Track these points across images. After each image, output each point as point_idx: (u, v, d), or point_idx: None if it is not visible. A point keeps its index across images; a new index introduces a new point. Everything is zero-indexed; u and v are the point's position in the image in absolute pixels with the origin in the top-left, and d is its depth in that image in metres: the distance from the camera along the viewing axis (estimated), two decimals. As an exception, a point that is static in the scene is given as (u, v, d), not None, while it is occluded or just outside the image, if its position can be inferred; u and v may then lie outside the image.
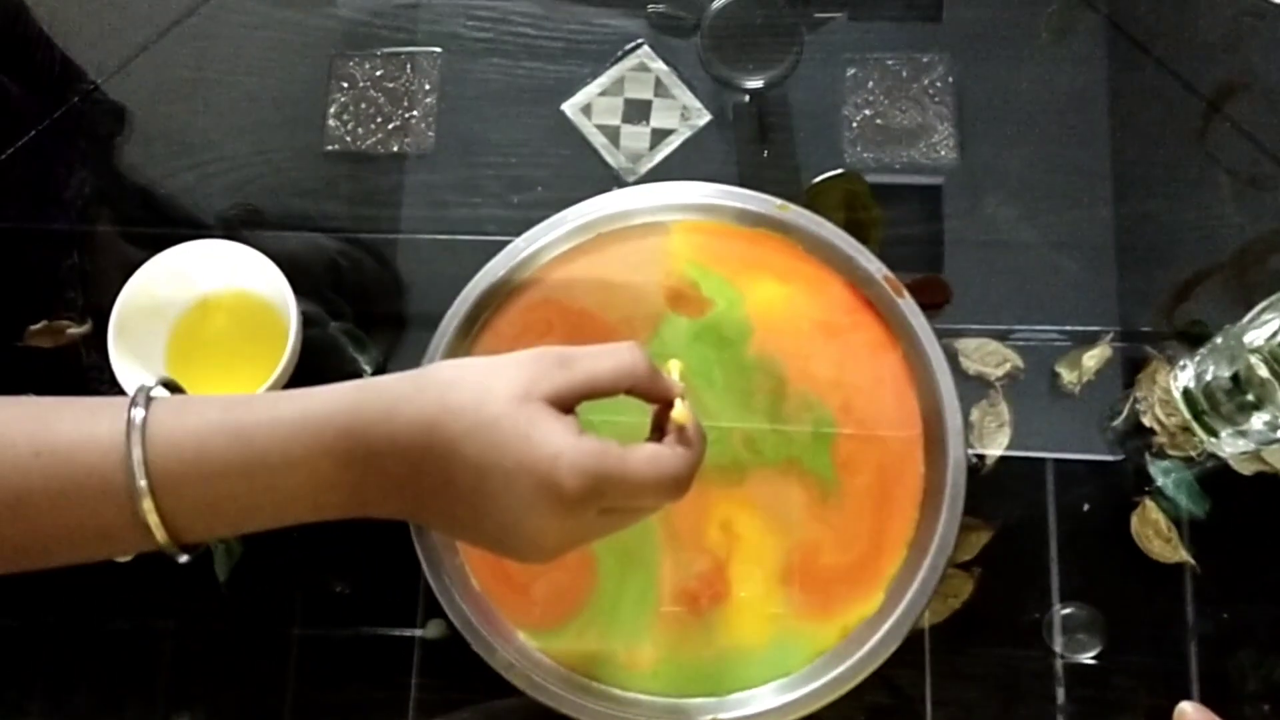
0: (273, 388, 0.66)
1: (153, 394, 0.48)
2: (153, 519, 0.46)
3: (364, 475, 0.47)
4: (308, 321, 0.70)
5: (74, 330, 0.73)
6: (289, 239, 0.67)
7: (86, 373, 0.72)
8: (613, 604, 0.65)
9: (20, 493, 0.46)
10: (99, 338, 0.68)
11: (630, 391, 0.51)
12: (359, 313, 0.73)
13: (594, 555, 0.65)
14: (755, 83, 0.73)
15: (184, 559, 0.49)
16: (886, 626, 0.63)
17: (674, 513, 0.65)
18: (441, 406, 0.46)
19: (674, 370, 0.60)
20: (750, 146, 0.75)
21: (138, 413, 0.47)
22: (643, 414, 0.53)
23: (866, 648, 0.62)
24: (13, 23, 0.80)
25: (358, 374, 0.71)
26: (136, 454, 0.46)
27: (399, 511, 0.49)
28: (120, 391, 0.65)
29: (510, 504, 0.46)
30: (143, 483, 0.46)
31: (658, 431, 0.52)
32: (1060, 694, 0.65)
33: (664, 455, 0.49)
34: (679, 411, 0.50)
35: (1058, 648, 0.65)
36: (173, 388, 0.51)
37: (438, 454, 0.46)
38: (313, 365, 0.69)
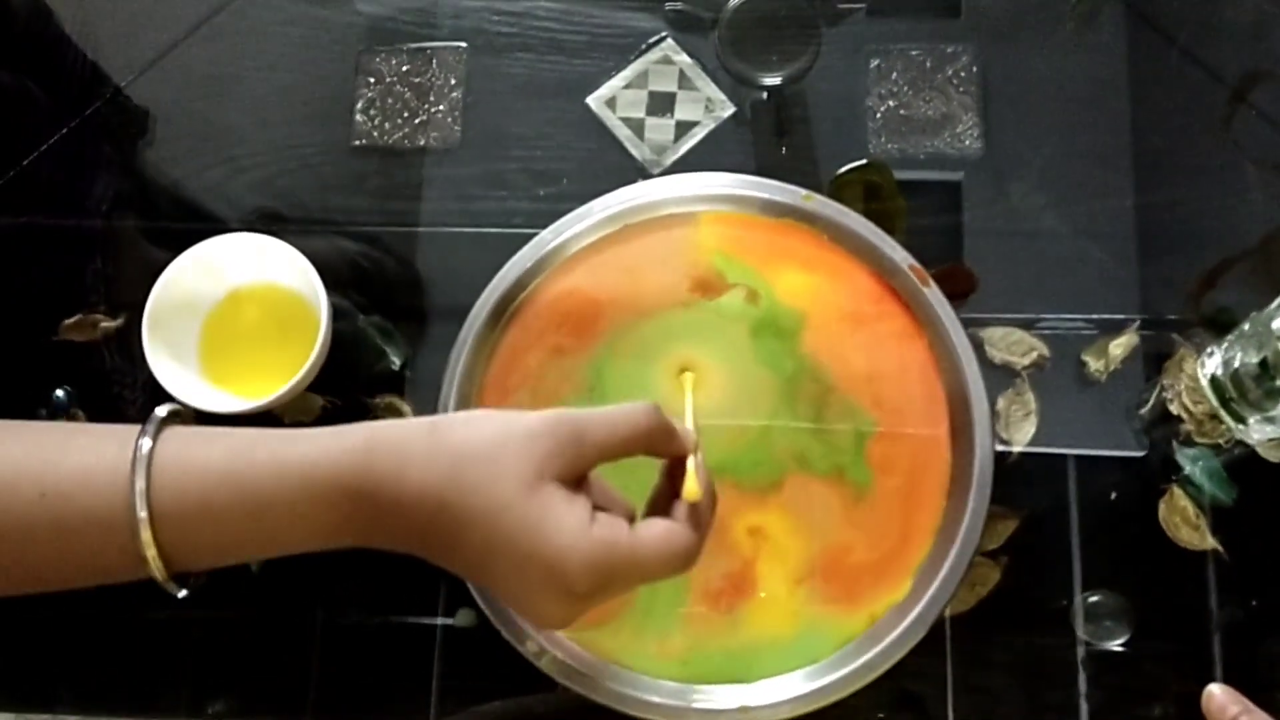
0: (304, 379, 0.66)
1: (161, 422, 0.48)
2: (151, 554, 0.47)
3: (369, 530, 0.47)
4: (337, 314, 0.70)
5: (106, 324, 0.73)
6: (311, 241, 0.68)
7: (118, 366, 0.73)
8: (647, 607, 0.65)
9: (25, 532, 0.47)
10: (131, 332, 0.69)
11: (646, 453, 0.50)
12: (387, 306, 0.73)
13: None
14: (774, 79, 0.73)
15: (181, 594, 0.49)
16: (914, 614, 0.63)
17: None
18: (451, 480, 0.46)
19: (687, 385, 0.60)
20: (769, 143, 0.75)
21: (145, 444, 0.47)
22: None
23: (894, 635, 0.63)
24: (40, 26, 0.81)
25: (387, 367, 0.72)
26: (140, 486, 0.46)
27: (408, 553, 0.49)
28: (155, 385, 0.66)
29: (518, 586, 0.47)
30: (144, 517, 0.46)
31: (669, 479, 0.52)
32: (1086, 681, 0.65)
33: (675, 535, 0.48)
34: (690, 487, 0.50)
35: (1084, 635, 0.65)
36: (180, 416, 0.51)
37: (445, 528, 0.46)
38: (342, 358, 0.70)
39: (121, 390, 0.72)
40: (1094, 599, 0.66)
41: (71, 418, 0.72)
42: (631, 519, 0.49)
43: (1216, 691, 0.60)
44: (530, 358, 0.69)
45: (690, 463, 0.51)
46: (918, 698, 0.65)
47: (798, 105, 0.76)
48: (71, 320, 0.74)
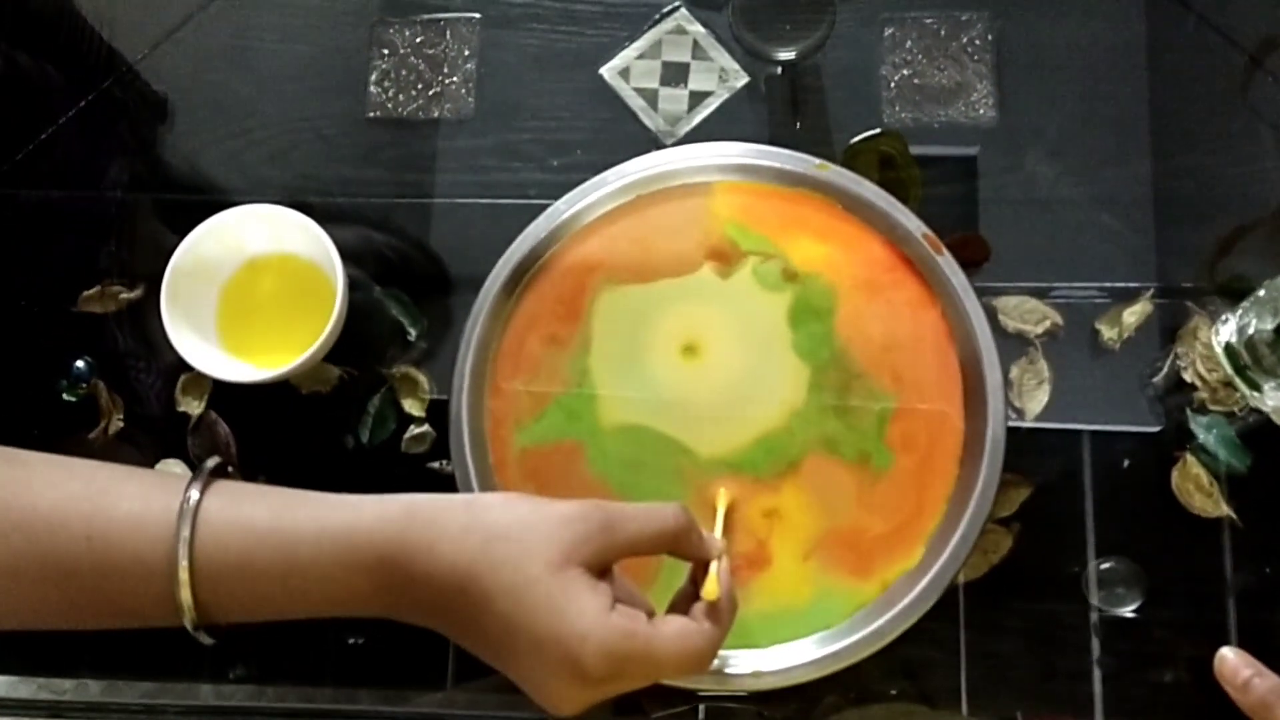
0: (320, 350, 0.67)
1: (210, 475, 0.50)
2: (187, 604, 0.48)
3: (398, 599, 0.49)
4: (353, 286, 0.71)
5: (126, 295, 0.74)
6: (338, 231, 0.68)
7: (138, 337, 0.73)
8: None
9: (68, 572, 0.48)
10: (150, 303, 0.70)
11: (671, 553, 0.52)
12: (403, 277, 0.74)
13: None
14: (788, 54, 0.73)
15: (209, 642, 0.51)
16: (925, 581, 0.63)
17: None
18: (482, 555, 0.47)
19: (721, 502, 0.62)
20: (784, 117, 0.75)
21: (193, 495, 0.49)
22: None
23: (905, 601, 0.63)
24: (56, 7, 0.81)
25: (403, 338, 0.72)
26: (184, 534, 0.48)
27: (430, 627, 0.50)
28: (174, 356, 0.67)
29: (533, 666, 0.48)
30: (185, 565, 0.48)
31: (693, 583, 0.53)
32: (1098, 647, 0.65)
33: (691, 634, 0.49)
34: (710, 588, 0.51)
35: (1096, 601, 0.65)
36: (228, 470, 0.52)
37: (469, 600, 0.47)
38: (358, 329, 0.71)
39: (141, 361, 0.73)
40: (1106, 566, 0.66)
41: (91, 388, 0.73)
42: (651, 616, 0.50)
43: (1229, 655, 0.61)
44: (543, 329, 0.70)
45: (713, 566, 0.52)
46: (930, 664, 0.66)
47: (812, 77, 0.76)
48: (91, 291, 0.74)
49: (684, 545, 0.52)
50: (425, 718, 0.68)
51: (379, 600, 0.49)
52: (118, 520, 0.48)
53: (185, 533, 0.48)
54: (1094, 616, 0.65)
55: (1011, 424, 0.67)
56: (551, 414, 0.68)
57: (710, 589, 0.51)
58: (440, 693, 0.67)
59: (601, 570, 0.49)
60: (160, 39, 0.79)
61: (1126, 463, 0.67)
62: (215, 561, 0.48)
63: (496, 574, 0.47)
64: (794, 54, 0.73)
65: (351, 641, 0.68)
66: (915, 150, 0.74)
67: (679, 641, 0.49)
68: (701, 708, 0.64)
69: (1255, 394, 0.65)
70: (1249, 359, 0.64)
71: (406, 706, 0.68)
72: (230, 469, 0.53)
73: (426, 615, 0.49)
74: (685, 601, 0.53)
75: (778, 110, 0.76)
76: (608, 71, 0.77)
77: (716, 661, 0.63)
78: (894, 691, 0.65)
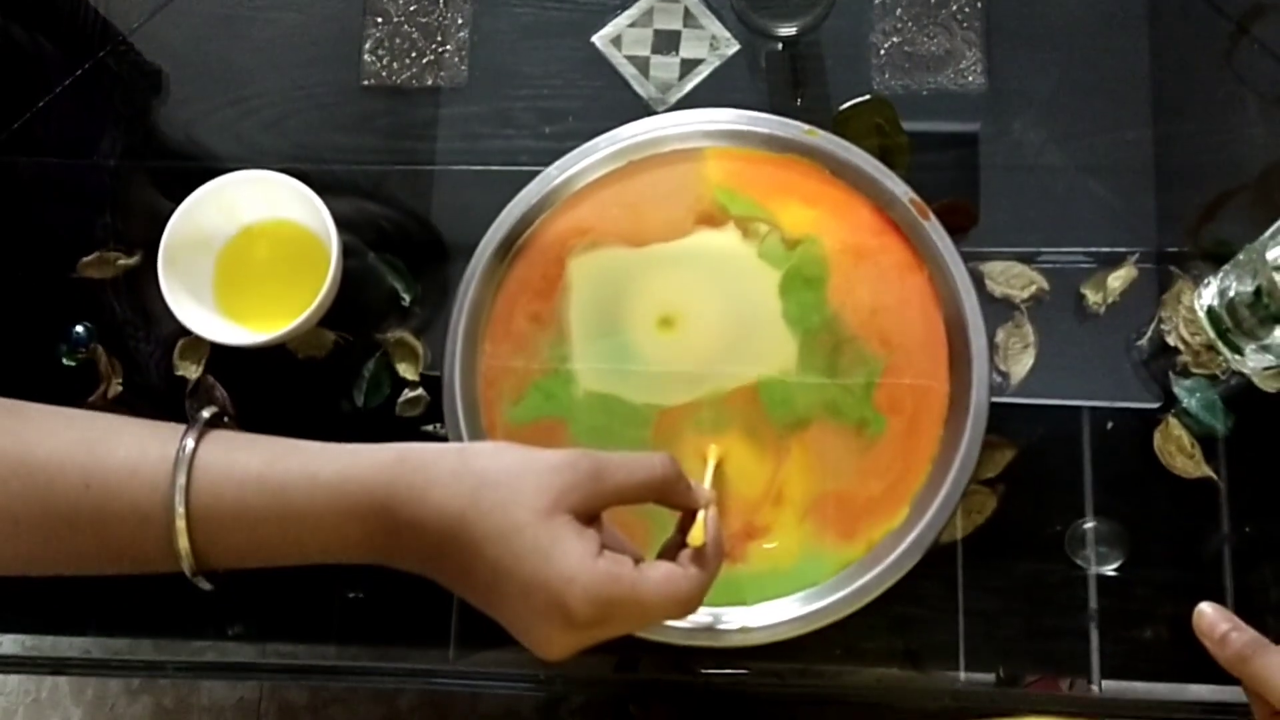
0: (314, 315, 0.68)
1: (205, 424, 0.51)
2: (184, 550, 0.49)
3: (389, 544, 0.50)
4: (348, 252, 0.72)
5: (124, 261, 0.75)
6: (333, 198, 0.69)
7: (136, 303, 0.74)
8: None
9: (68, 519, 0.49)
10: (148, 269, 0.71)
11: (659, 501, 0.53)
12: (397, 243, 0.75)
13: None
14: (788, 30, 0.73)
15: (207, 587, 0.52)
16: (909, 540, 0.64)
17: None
18: (471, 502, 0.48)
19: (711, 458, 0.63)
20: (784, 91, 0.76)
21: (188, 444, 0.50)
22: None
23: (889, 560, 0.64)
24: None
25: (397, 303, 0.73)
26: (180, 482, 0.49)
27: (423, 574, 0.51)
28: (173, 321, 0.68)
29: (521, 611, 0.48)
30: (181, 512, 0.49)
31: (680, 533, 0.54)
32: (1082, 604, 0.66)
33: (677, 578, 0.50)
34: (697, 534, 0.52)
35: (1080, 560, 0.67)
36: (224, 420, 0.53)
37: (460, 546, 0.48)
38: (353, 294, 0.72)
39: (139, 326, 0.74)
40: (1090, 525, 0.67)
41: (90, 353, 0.74)
42: (638, 562, 0.51)
43: (1207, 610, 0.62)
44: (528, 302, 0.70)
45: (701, 513, 0.53)
46: (916, 621, 0.67)
47: (807, 55, 0.76)
48: (90, 258, 0.75)
49: (672, 494, 0.53)
50: (426, 674, 0.69)
51: (371, 546, 0.50)
52: (114, 468, 0.49)
53: (181, 480, 0.49)
54: (1077, 575, 0.67)
55: (996, 387, 0.68)
56: (531, 396, 0.69)
57: (697, 535, 0.52)
58: (442, 649, 0.69)
59: (590, 517, 0.50)
60: (156, 8, 0.80)
61: (1110, 425, 0.68)
62: (210, 508, 0.49)
63: (485, 520, 0.48)
64: (795, 29, 0.73)
65: (352, 596, 0.69)
66: (904, 117, 0.74)
67: (665, 586, 0.49)
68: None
69: (1237, 357, 0.66)
70: (1230, 322, 0.65)
71: (408, 663, 0.69)
72: (227, 419, 0.53)
73: (418, 561, 0.50)
74: (673, 550, 0.54)
75: (778, 85, 0.76)
76: (600, 39, 0.78)
77: (707, 618, 0.64)
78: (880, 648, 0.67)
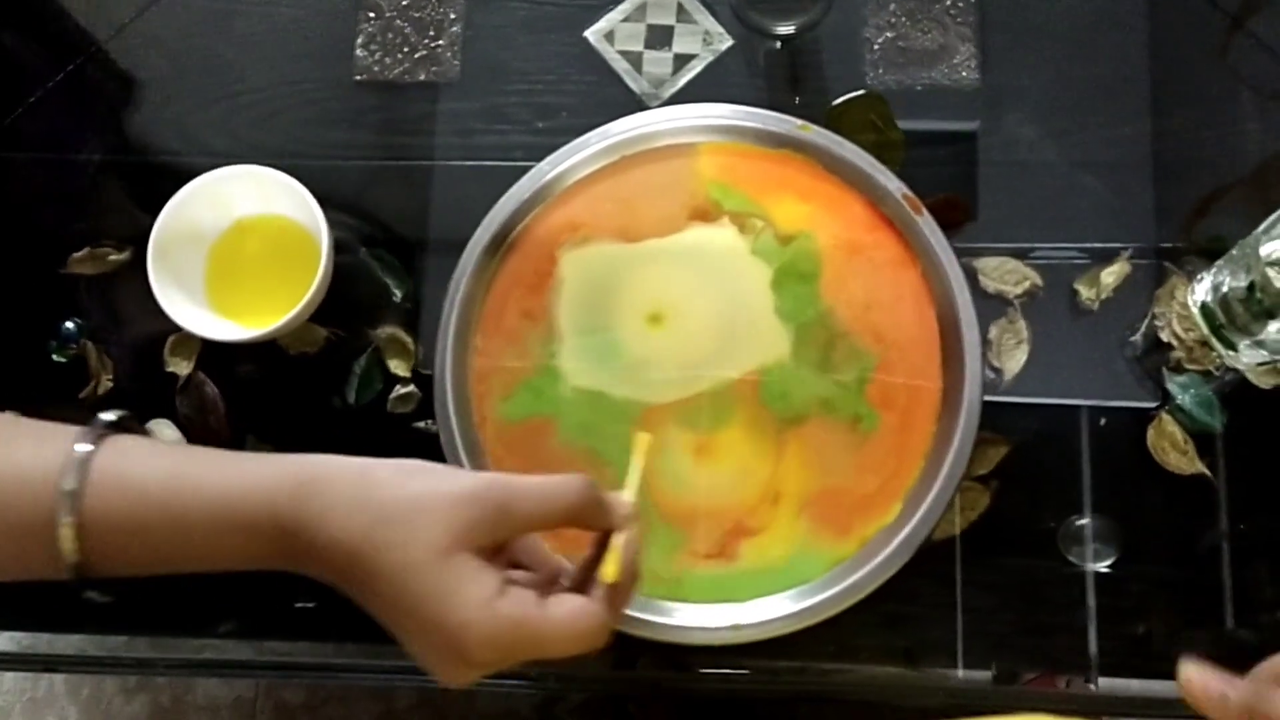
0: (304, 311, 0.68)
1: (105, 428, 0.49)
2: (71, 559, 0.47)
3: (295, 563, 0.48)
4: (340, 248, 0.71)
5: (115, 257, 0.75)
6: (325, 193, 0.69)
7: (127, 298, 0.74)
8: (647, 560, 0.65)
9: None
10: (140, 265, 0.70)
11: (575, 526, 0.49)
12: (388, 238, 0.75)
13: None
14: (787, 28, 0.73)
15: (91, 594, 0.50)
16: (901, 536, 0.64)
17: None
18: (367, 537, 0.46)
19: (640, 446, 0.55)
20: (783, 91, 0.75)
21: (81, 449, 0.47)
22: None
23: (881, 557, 0.64)
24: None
25: (389, 298, 0.73)
26: (67, 487, 0.47)
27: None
28: (162, 315, 0.68)
29: (420, 649, 0.47)
30: (69, 522, 0.47)
31: (596, 548, 0.51)
32: (1078, 601, 0.66)
33: (584, 616, 0.47)
34: (610, 569, 0.49)
35: (1073, 557, 0.66)
36: (127, 424, 0.51)
37: (359, 578, 0.47)
38: (345, 290, 0.71)
39: (130, 322, 0.74)
40: (1082, 522, 0.67)
41: (80, 349, 0.73)
42: (554, 582, 0.50)
43: (1193, 675, 0.53)
44: (520, 297, 0.70)
45: (616, 541, 0.50)
46: (908, 618, 0.67)
47: (806, 50, 0.76)
48: (80, 254, 0.75)
49: (589, 519, 0.50)
50: (423, 672, 0.69)
51: (276, 562, 0.48)
52: (8, 472, 0.48)
53: (68, 486, 0.47)
54: (1070, 572, 0.66)
55: (990, 383, 0.68)
56: (520, 393, 0.69)
57: (610, 570, 0.49)
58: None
59: (496, 548, 0.48)
60: (147, 4, 0.80)
61: (1103, 421, 0.68)
62: (102, 518, 0.47)
63: (381, 557, 0.46)
64: (793, 28, 0.73)
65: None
66: (898, 113, 0.74)
67: (570, 626, 0.47)
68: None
69: (1230, 352, 0.66)
70: (1224, 318, 0.65)
71: (405, 661, 0.69)
72: (134, 423, 0.52)
73: (323, 579, 0.49)
74: (589, 569, 0.51)
75: (772, 81, 0.76)
76: (593, 35, 0.77)
77: (696, 617, 0.64)
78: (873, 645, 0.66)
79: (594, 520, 0.50)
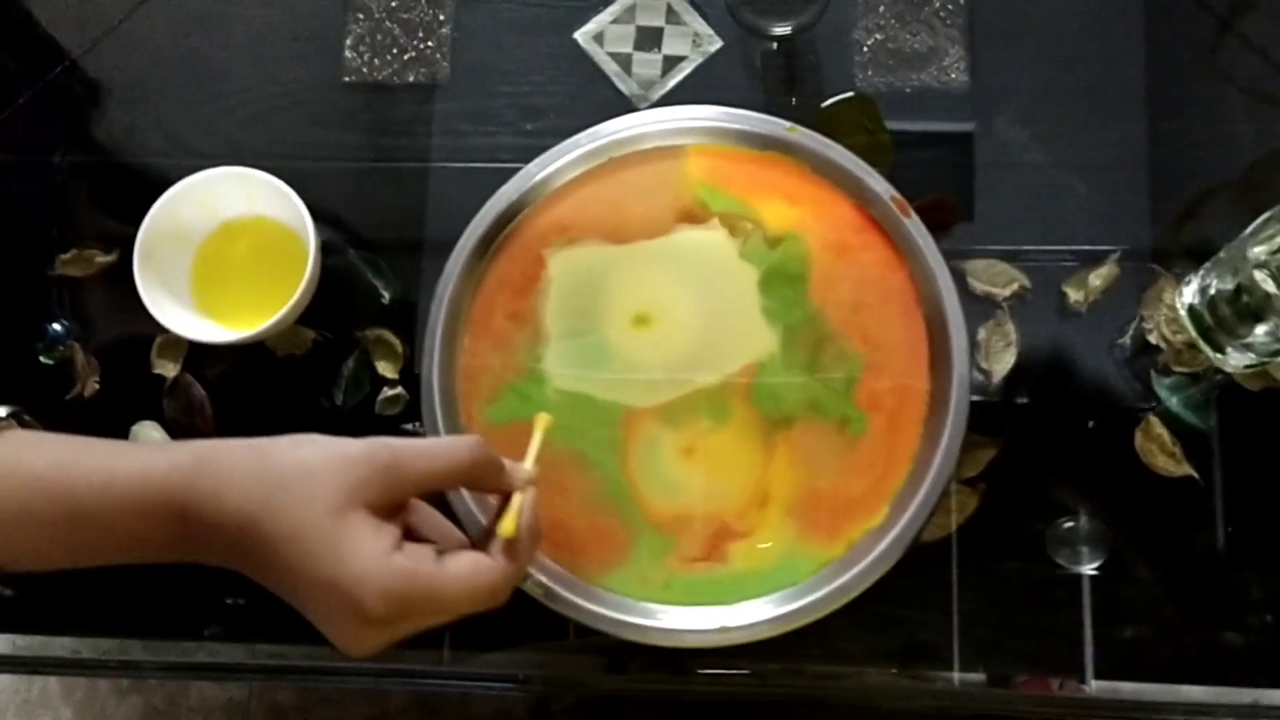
0: (291, 313, 0.68)
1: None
2: None
3: (191, 545, 0.49)
4: (328, 249, 0.71)
5: (102, 259, 0.75)
6: (313, 194, 0.68)
7: (115, 300, 0.74)
8: (635, 555, 0.66)
9: None
10: (126, 266, 0.70)
11: (470, 487, 0.52)
12: (377, 239, 0.74)
13: (626, 532, 0.66)
14: (784, 29, 0.72)
15: (7, 592, 0.50)
16: (889, 539, 0.64)
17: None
18: (265, 504, 0.47)
19: (539, 425, 0.58)
20: (768, 89, 0.75)
21: None
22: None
23: (868, 559, 0.64)
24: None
25: (376, 300, 0.73)
26: None
27: (226, 567, 0.50)
28: (149, 317, 0.67)
29: (319, 610, 0.48)
30: None
31: (498, 514, 0.52)
32: (1069, 604, 0.66)
33: (482, 570, 0.49)
34: (507, 524, 0.50)
35: (1062, 560, 0.66)
36: (21, 418, 0.52)
37: (257, 546, 0.47)
38: (333, 292, 0.71)
39: (117, 324, 0.74)
40: (1070, 525, 0.67)
41: (67, 351, 0.73)
42: (444, 554, 0.50)
43: None
44: (508, 300, 0.70)
45: (516, 499, 0.51)
46: (897, 621, 0.66)
47: (795, 52, 0.76)
48: (67, 255, 0.75)
49: (482, 479, 0.51)
50: (416, 674, 0.69)
51: (172, 549, 0.49)
52: None
53: None
54: (1061, 574, 0.66)
55: (978, 385, 0.68)
56: (506, 397, 0.69)
57: (507, 525, 0.50)
58: (433, 650, 0.68)
59: (392, 509, 0.49)
60: (135, 5, 0.80)
61: (1091, 424, 0.68)
62: None
63: (279, 521, 0.47)
64: (789, 28, 0.72)
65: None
66: (887, 115, 0.74)
67: (469, 579, 0.48)
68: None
69: (1218, 355, 0.66)
70: (1211, 320, 0.65)
71: (398, 664, 0.69)
72: (27, 418, 0.52)
73: (220, 559, 0.49)
74: (490, 531, 0.52)
75: (762, 83, 0.76)
76: (582, 36, 0.77)
77: (683, 620, 0.64)
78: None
79: (489, 481, 0.52)
